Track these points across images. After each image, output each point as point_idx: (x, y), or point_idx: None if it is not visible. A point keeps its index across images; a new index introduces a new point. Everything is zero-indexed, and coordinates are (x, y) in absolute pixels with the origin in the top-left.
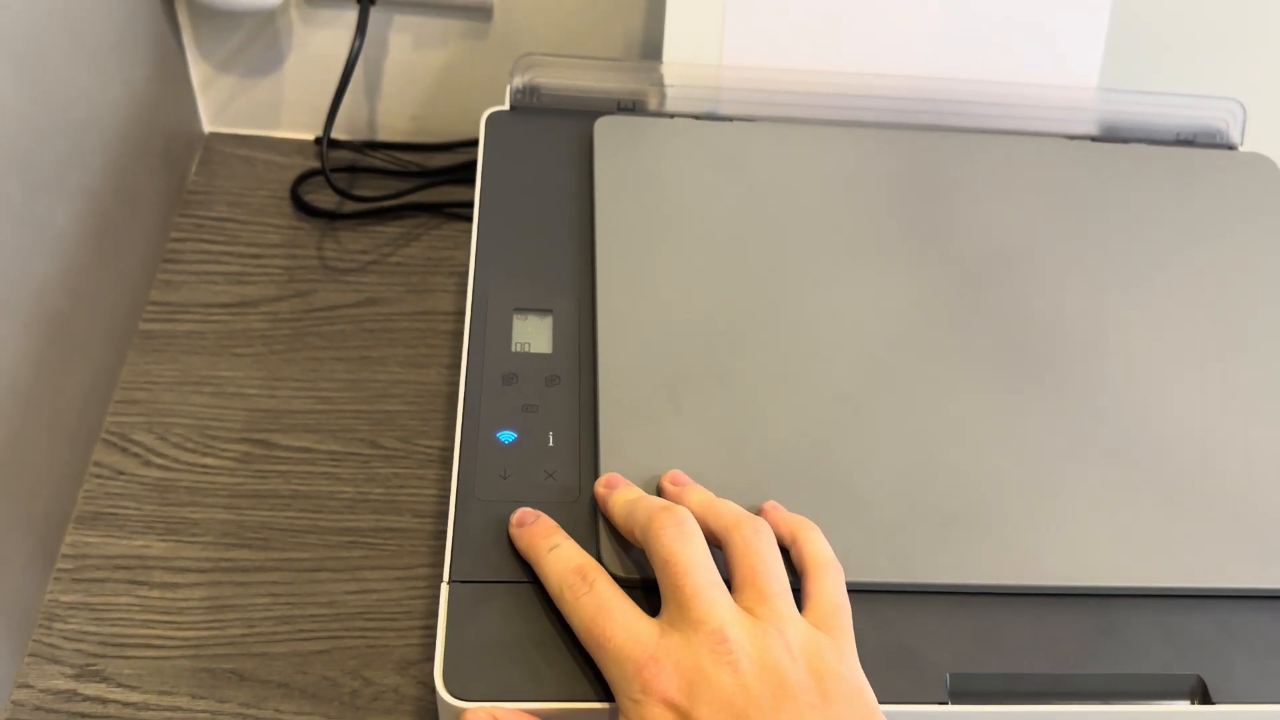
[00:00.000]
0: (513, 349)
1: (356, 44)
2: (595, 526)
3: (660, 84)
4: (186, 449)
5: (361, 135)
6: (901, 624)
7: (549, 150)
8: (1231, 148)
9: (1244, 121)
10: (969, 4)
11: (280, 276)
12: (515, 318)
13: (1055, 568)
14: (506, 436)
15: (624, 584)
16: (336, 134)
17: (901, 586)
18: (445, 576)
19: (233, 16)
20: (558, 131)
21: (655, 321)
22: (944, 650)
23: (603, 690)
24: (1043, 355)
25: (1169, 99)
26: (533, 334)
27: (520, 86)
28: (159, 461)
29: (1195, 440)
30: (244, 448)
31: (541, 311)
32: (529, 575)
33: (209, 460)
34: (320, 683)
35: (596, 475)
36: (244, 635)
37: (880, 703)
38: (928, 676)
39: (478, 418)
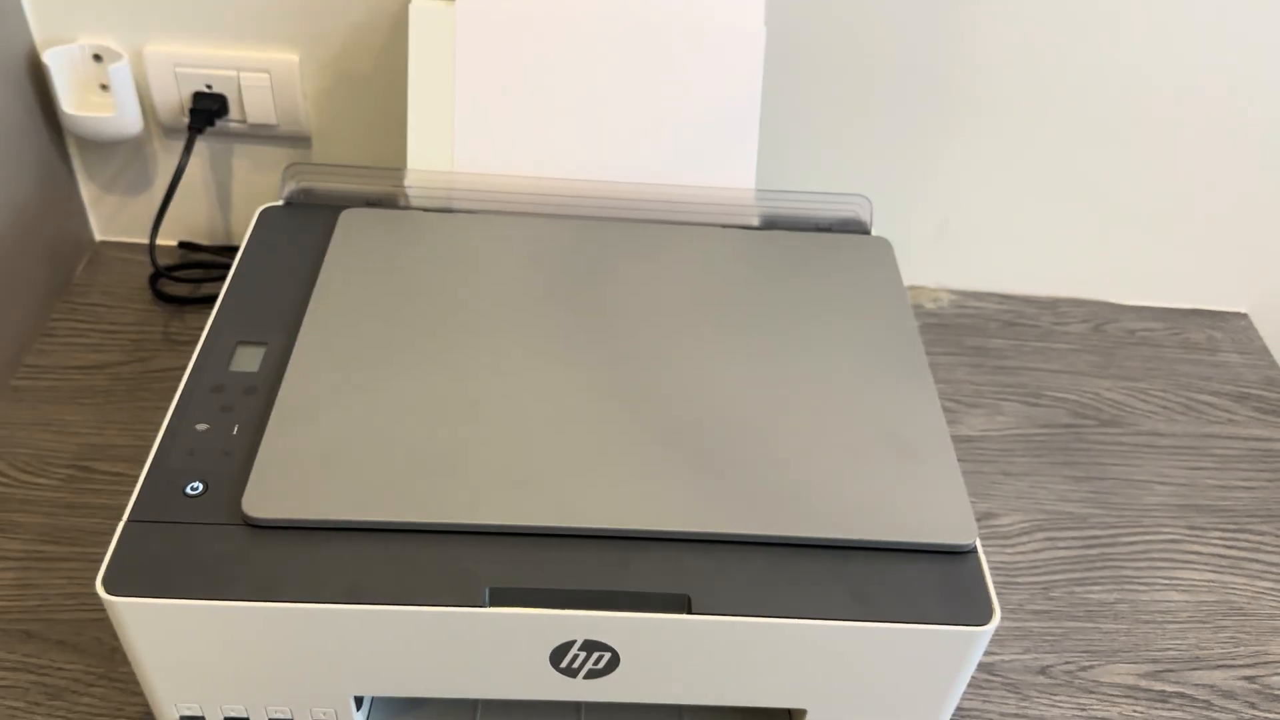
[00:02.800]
0: (230, 369)
1: (182, 160)
2: (246, 475)
3: (403, 186)
4: (26, 471)
5: (220, 240)
6: (463, 553)
7: (303, 235)
8: (865, 233)
9: (871, 212)
10: (650, 123)
11: (129, 346)
12: (238, 348)
13: (587, 513)
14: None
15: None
16: (198, 239)
17: (469, 528)
18: (125, 518)
19: (109, 145)
20: (315, 222)
21: (342, 352)
22: (489, 571)
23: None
24: (638, 376)
25: (813, 196)
26: (248, 359)
27: (289, 190)
28: (2, 480)
29: (720, 430)
30: (71, 471)
31: (259, 344)
32: (195, 518)
33: (41, 480)
34: (91, 642)
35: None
36: (39, 606)
37: (430, 605)
38: (473, 589)
39: (184, 413)
